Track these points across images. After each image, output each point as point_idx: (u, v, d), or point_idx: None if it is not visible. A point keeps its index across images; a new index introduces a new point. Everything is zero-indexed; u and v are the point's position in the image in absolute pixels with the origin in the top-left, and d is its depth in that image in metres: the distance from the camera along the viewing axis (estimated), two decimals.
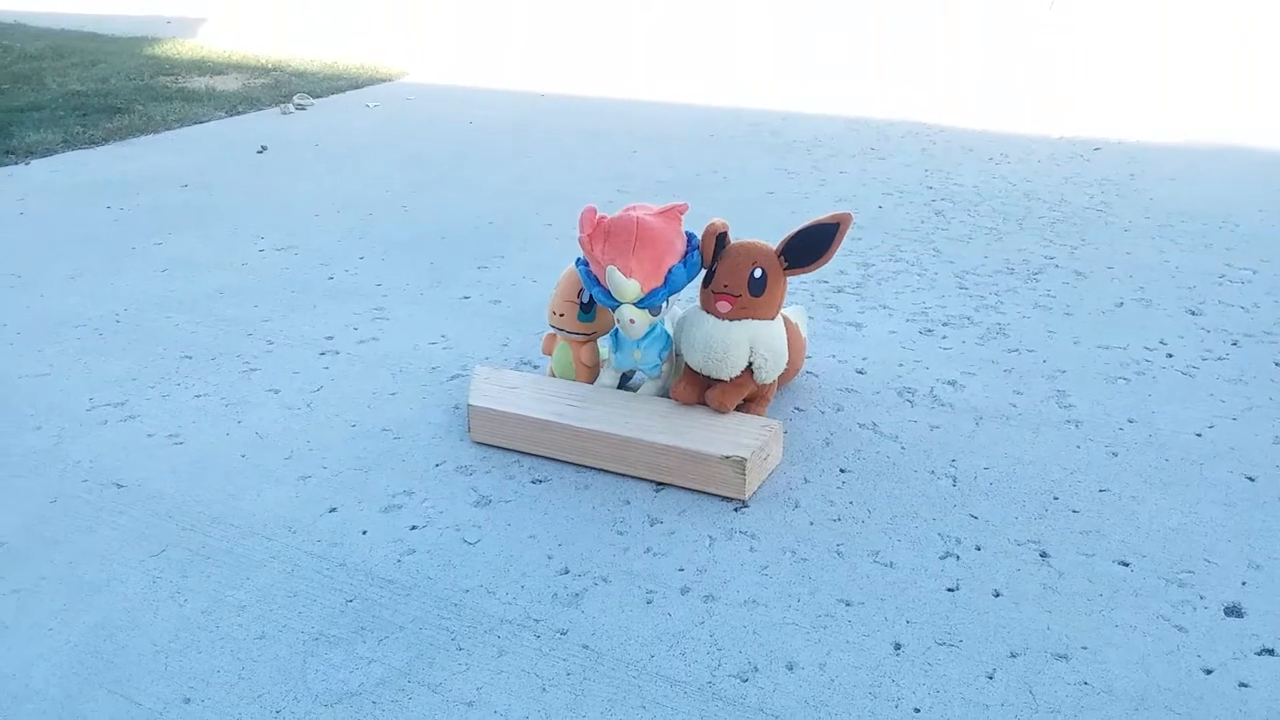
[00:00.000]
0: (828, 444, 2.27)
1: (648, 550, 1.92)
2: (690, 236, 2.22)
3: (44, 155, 5.11)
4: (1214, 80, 6.50)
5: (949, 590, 1.79)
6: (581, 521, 2.01)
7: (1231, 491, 2.06)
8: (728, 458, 2.03)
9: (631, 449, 2.12)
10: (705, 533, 1.97)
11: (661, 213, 2.16)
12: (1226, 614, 1.72)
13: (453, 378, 2.63)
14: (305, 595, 1.82)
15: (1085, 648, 1.65)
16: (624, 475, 2.15)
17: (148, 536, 2.00)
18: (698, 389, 2.24)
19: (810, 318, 2.85)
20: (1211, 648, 1.64)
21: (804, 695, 1.57)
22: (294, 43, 8.66)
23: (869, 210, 3.96)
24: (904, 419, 2.37)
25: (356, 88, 6.89)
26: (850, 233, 2.18)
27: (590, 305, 2.32)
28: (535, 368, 2.66)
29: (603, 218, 2.15)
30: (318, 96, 6.52)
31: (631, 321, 2.17)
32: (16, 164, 4.96)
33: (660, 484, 2.13)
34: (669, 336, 2.31)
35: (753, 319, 2.17)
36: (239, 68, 7.51)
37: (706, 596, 1.79)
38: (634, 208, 2.17)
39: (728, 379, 2.21)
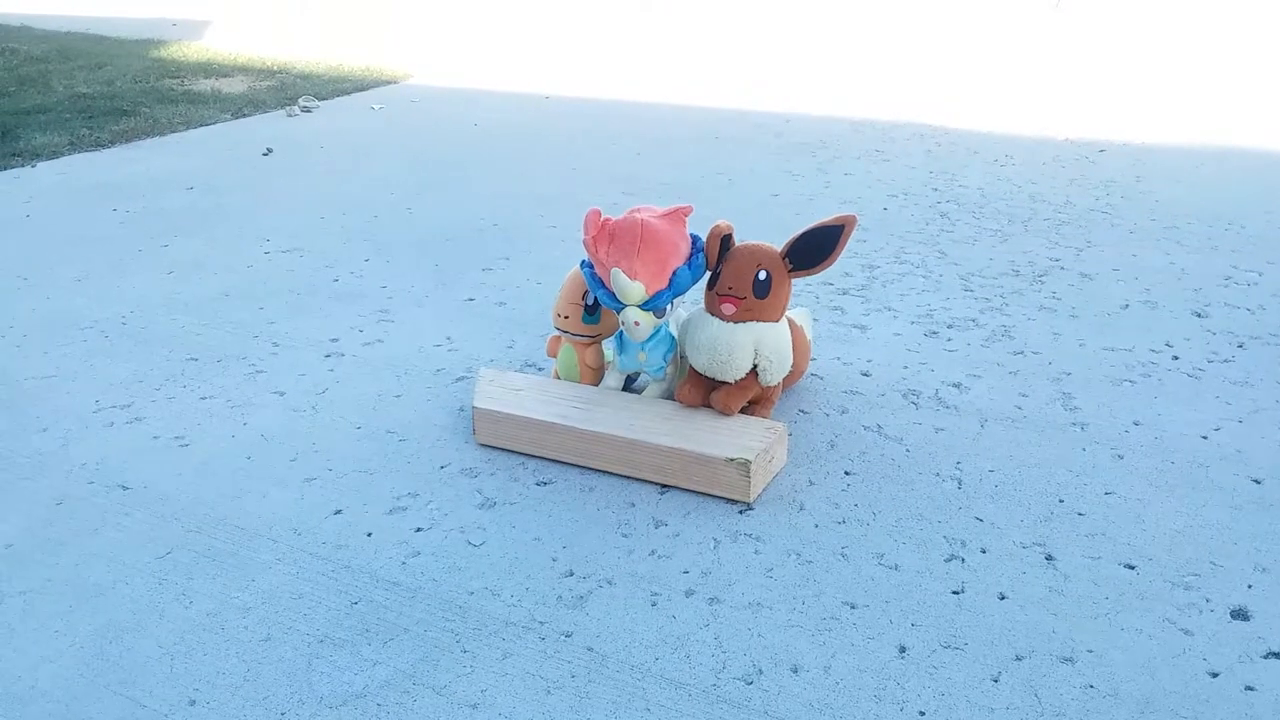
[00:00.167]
0: (833, 446, 2.27)
1: (652, 553, 1.92)
2: (695, 239, 2.22)
3: (50, 158, 5.13)
4: (1220, 82, 6.49)
5: (954, 593, 1.79)
6: (586, 524, 2.01)
7: (1238, 494, 2.05)
8: (732, 460, 2.03)
9: (636, 451, 2.12)
10: (710, 535, 1.97)
11: (666, 215, 2.16)
12: (1233, 617, 1.71)
13: (458, 380, 2.64)
14: (310, 597, 1.82)
15: (1091, 651, 1.64)
16: (629, 477, 2.16)
17: (153, 538, 2.01)
18: (702, 391, 2.24)
19: (815, 320, 2.85)
20: (1217, 651, 1.64)
21: (809, 698, 1.56)
22: (299, 45, 8.67)
23: (874, 212, 3.95)
24: (909, 421, 2.37)
25: (362, 90, 6.90)
26: (855, 235, 2.18)
27: (595, 307, 2.33)
28: (540, 370, 2.66)
29: (607, 220, 2.15)
30: (323, 99, 6.53)
31: (636, 324, 2.18)
32: (23, 166, 4.98)
33: (665, 486, 2.13)
34: (673, 339, 2.31)
35: (757, 321, 2.17)
36: (244, 70, 7.53)
37: (711, 599, 1.79)
38: (639, 210, 2.17)
39: (732, 381, 2.21)
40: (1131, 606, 1.74)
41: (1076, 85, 6.50)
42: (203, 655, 1.69)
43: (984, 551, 1.90)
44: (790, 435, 2.27)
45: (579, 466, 2.20)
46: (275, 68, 7.60)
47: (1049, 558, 1.87)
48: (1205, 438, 2.27)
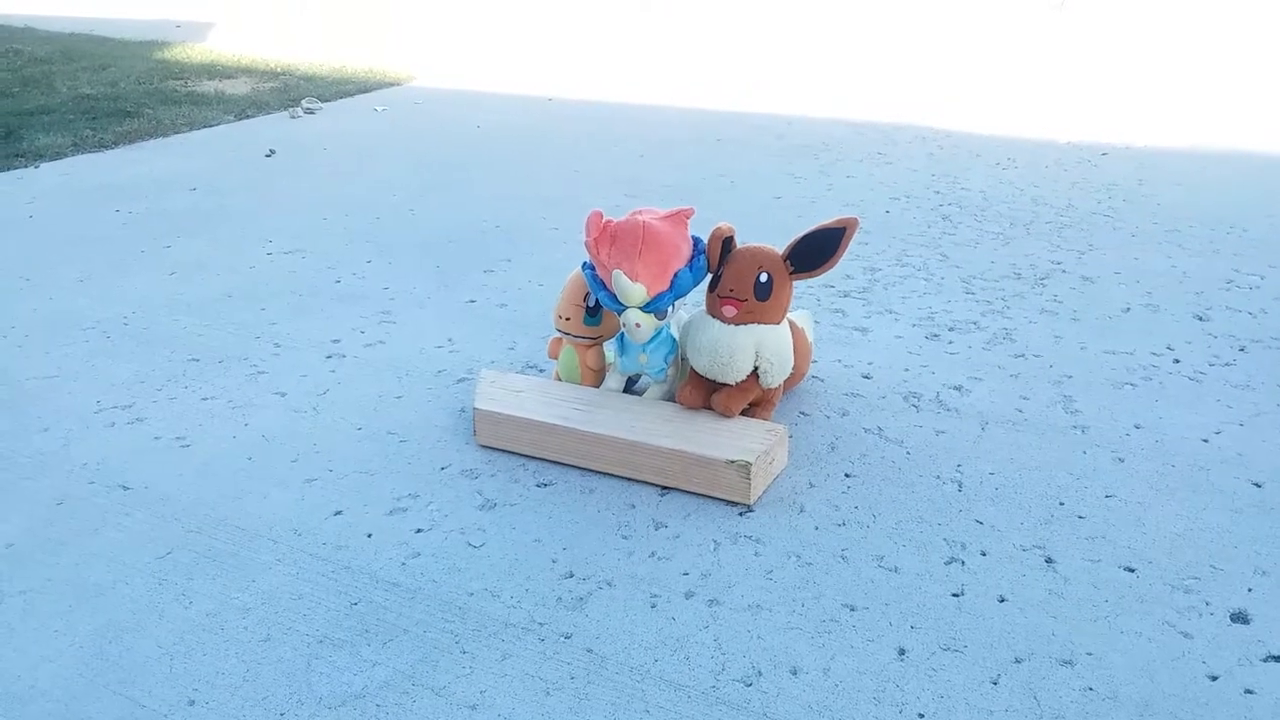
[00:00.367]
0: (833, 449, 2.27)
1: (652, 554, 1.92)
2: (696, 241, 2.22)
3: (53, 159, 5.13)
4: (1223, 85, 6.49)
5: (954, 595, 1.79)
6: (586, 525, 2.02)
7: (1238, 498, 2.05)
8: (733, 462, 2.03)
9: (637, 453, 2.12)
10: (710, 537, 1.97)
11: (668, 217, 2.17)
12: (1233, 620, 1.71)
13: (459, 381, 2.64)
14: (310, 598, 1.82)
15: (1090, 653, 1.64)
16: (629, 479, 2.16)
17: (154, 539, 2.01)
18: (703, 393, 2.24)
19: (816, 322, 2.85)
20: (1217, 654, 1.64)
21: (808, 700, 1.56)
22: (302, 47, 8.69)
23: (876, 215, 3.95)
24: (910, 424, 2.37)
25: (365, 92, 6.91)
26: (857, 237, 2.18)
27: (596, 309, 2.33)
28: (541, 371, 2.66)
29: (609, 222, 2.16)
30: (326, 100, 6.54)
31: (637, 325, 2.18)
32: (26, 167, 4.99)
33: (665, 488, 2.13)
34: (674, 341, 2.31)
35: (758, 323, 2.17)
36: (248, 72, 7.54)
37: (711, 601, 1.79)
38: (640, 212, 2.17)
39: (733, 383, 2.21)
40: (1131, 609, 1.74)
41: (1079, 88, 6.50)
42: (202, 655, 1.69)
43: (984, 554, 1.90)
44: (791, 437, 2.27)
45: (579, 468, 2.20)
46: (279, 69, 7.61)
47: (1049, 560, 1.87)
48: (1206, 441, 2.27)
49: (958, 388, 2.54)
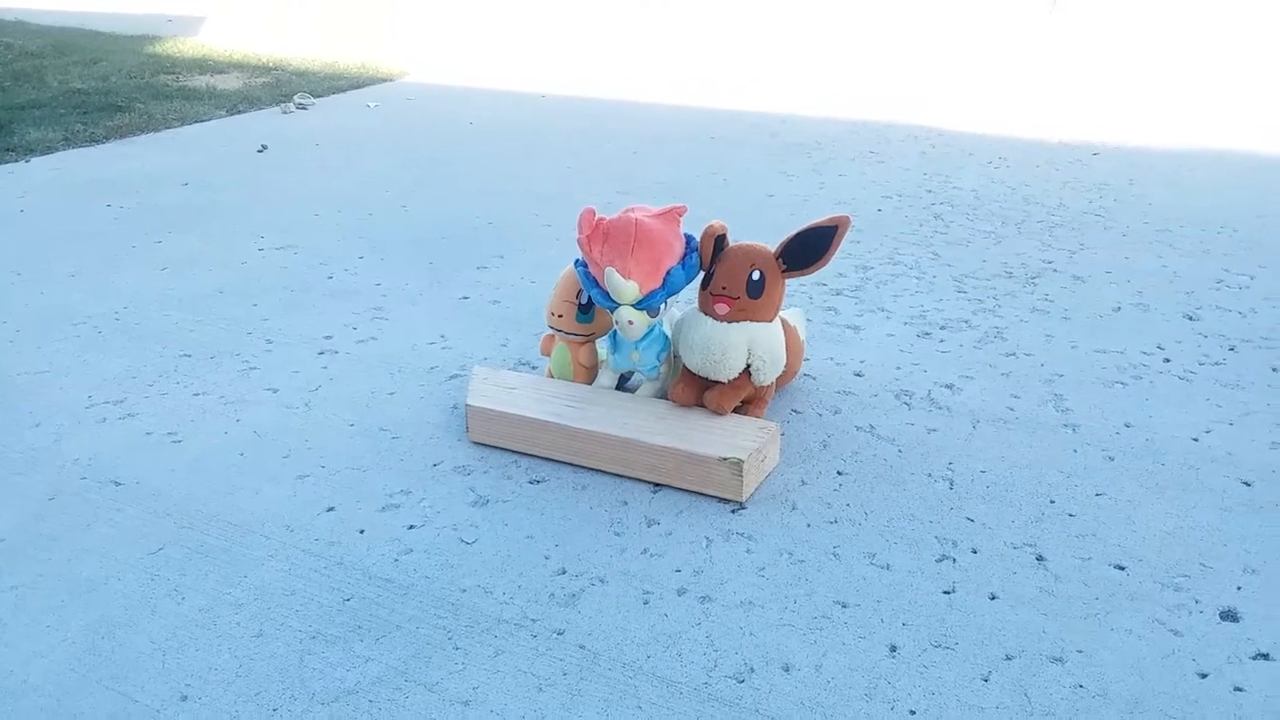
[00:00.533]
0: (825, 446, 2.28)
1: (645, 551, 1.92)
2: (689, 238, 2.22)
3: (44, 153, 5.12)
4: (1214, 85, 6.51)
5: (945, 593, 1.80)
6: (579, 522, 2.02)
7: (1228, 496, 2.06)
8: (725, 459, 2.03)
9: (629, 450, 2.13)
10: (702, 534, 1.97)
11: (660, 214, 2.17)
12: (1222, 618, 1.72)
13: (451, 378, 2.64)
14: (303, 594, 1.82)
15: (1081, 651, 1.65)
16: (622, 476, 2.16)
17: (146, 534, 2.01)
18: (695, 390, 2.25)
19: (808, 320, 2.86)
20: (1207, 652, 1.65)
21: (800, 697, 1.57)
22: (295, 42, 8.66)
23: (868, 213, 3.96)
24: (901, 422, 2.38)
25: (357, 87, 6.89)
26: (849, 235, 2.19)
27: (589, 306, 2.33)
28: (533, 368, 2.66)
29: (601, 219, 2.16)
30: (318, 96, 6.52)
31: (630, 323, 2.18)
32: (17, 162, 4.97)
33: (658, 485, 2.13)
34: (667, 338, 2.32)
35: (751, 321, 2.17)
36: (240, 67, 7.52)
37: (703, 598, 1.80)
38: (633, 209, 2.17)
39: (725, 381, 2.21)
40: (1121, 607, 1.75)
41: (1071, 88, 6.52)
42: (195, 651, 1.69)
43: (975, 552, 1.90)
44: (783, 435, 2.28)
45: (572, 465, 2.21)
46: (271, 64, 7.59)
47: (1040, 558, 1.88)
48: (1196, 440, 2.28)
49: (949, 386, 2.55)
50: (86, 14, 10.51)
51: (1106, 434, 2.31)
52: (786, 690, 1.58)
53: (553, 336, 2.43)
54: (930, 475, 2.16)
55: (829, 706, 1.55)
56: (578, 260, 2.26)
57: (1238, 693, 1.56)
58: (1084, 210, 3.98)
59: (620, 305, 2.16)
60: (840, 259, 3.38)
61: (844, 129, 5.46)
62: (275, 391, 2.58)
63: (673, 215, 2.19)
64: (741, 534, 1.97)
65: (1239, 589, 1.79)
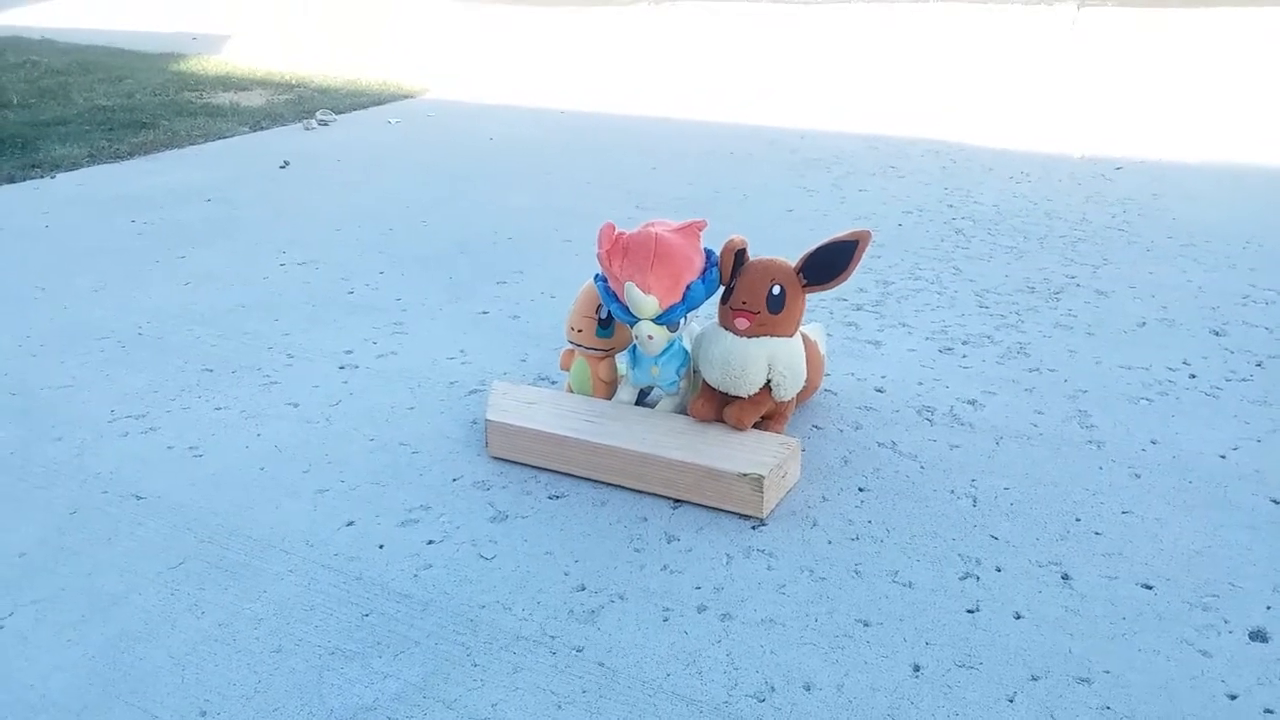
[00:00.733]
0: (846, 462, 2.26)
1: (664, 567, 1.91)
2: (709, 253, 2.21)
3: (69, 169, 5.17)
4: (1238, 99, 6.47)
5: (969, 611, 1.77)
6: (598, 538, 2.01)
7: (1256, 515, 2.03)
8: (745, 475, 2.02)
9: (649, 465, 2.12)
10: (723, 550, 1.96)
11: (680, 229, 2.16)
12: (1251, 639, 1.69)
13: (471, 392, 2.64)
14: (322, 609, 1.82)
15: (1108, 671, 1.63)
16: (641, 492, 2.15)
17: (166, 548, 2.01)
18: (715, 406, 2.23)
19: (829, 335, 2.84)
20: (1236, 673, 1.62)
21: (821, 716, 1.55)
22: (317, 60, 8.73)
23: (888, 228, 3.95)
24: (923, 438, 2.36)
25: (378, 104, 6.94)
26: (869, 250, 2.18)
27: (608, 321, 2.32)
28: (553, 383, 2.65)
29: (621, 234, 2.15)
30: (340, 112, 6.57)
31: (650, 338, 2.17)
32: (42, 177, 5.02)
33: (677, 501, 2.12)
34: (687, 353, 2.31)
35: (771, 336, 2.16)
36: (263, 84, 7.58)
37: (723, 615, 1.78)
38: (653, 224, 2.17)
39: (746, 396, 2.20)
40: (1149, 627, 1.72)
41: (1092, 102, 6.49)
42: (214, 666, 1.69)
43: (999, 570, 1.88)
44: (803, 451, 2.26)
45: (591, 480, 2.20)
46: (293, 82, 7.65)
47: (1065, 577, 1.86)
48: (1223, 457, 2.25)
49: (972, 402, 2.53)
50: (112, 32, 10.63)
51: (1132, 451, 2.28)
52: (808, 710, 1.56)
53: (572, 351, 2.43)
54: (953, 492, 2.14)
55: None
56: (597, 275, 2.26)
57: (1268, 714, 1.54)
58: (1107, 225, 3.95)
59: (640, 320, 2.15)
60: (861, 274, 3.36)
61: (863, 144, 5.45)
62: (296, 406, 2.59)
63: (692, 230, 2.18)
64: (762, 551, 1.96)
65: (1268, 609, 1.76)
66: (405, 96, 7.19)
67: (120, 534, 2.06)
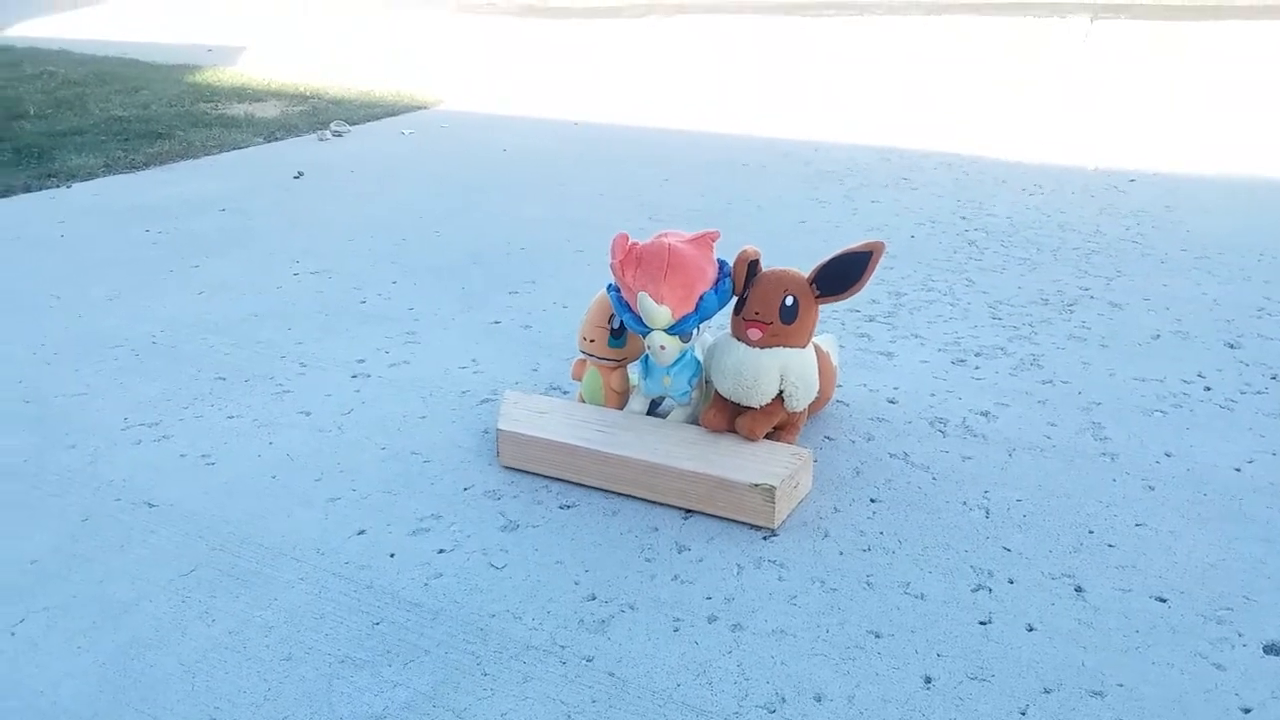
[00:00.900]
0: (858, 473, 2.25)
1: (675, 578, 1.91)
2: (722, 264, 2.21)
3: (85, 179, 5.20)
4: (1252, 112, 6.44)
5: (981, 623, 1.76)
6: (609, 548, 2.00)
7: (1271, 528, 2.02)
8: (757, 486, 2.01)
9: (660, 475, 2.11)
10: (734, 561, 1.95)
11: (693, 240, 2.16)
12: (1266, 652, 1.68)
13: (482, 402, 2.64)
14: (332, 617, 1.82)
15: (1121, 685, 1.61)
16: (652, 502, 2.14)
17: (178, 556, 2.01)
18: (727, 416, 2.23)
19: (841, 346, 2.84)
20: (1250, 686, 1.61)
21: None
22: (332, 71, 8.78)
23: (901, 240, 3.94)
24: (936, 449, 2.35)
25: (392, 115, 6.97)
26: (882, 262, 2.17)
27: (621, 331, 2.32)
28: (565, 393, 2.66)
29: (634, 244, 2.16)
30: (354, 124, 6.60)
31: (662, 348, 2.17)
32: (58, 187, 5.05)
33: (689, 511, 2.11)
34: (699, 363, 2.31)
35: (784, 347, 2.16)
36: (278, 95, 7.63)
37: (734, 625, 1.77)
38: (666, 235, 2.17)
39: (758, 406, 2.20)
40: (1163, 640, 1.71)
41: (1106, 115, 6.47)
42: (224, 674, 1.69)
43: (1012, 582, 1.87)
44: (815, 462, 2.25)
45: (603, 490, 2.20)
46: (307, 93, 7.70)
47: (1078, 589, 1.85)
48: (1238, 470, 2.23)
49: (984, 413, 2.52)
50: (128, 44, 10.71)
51: (1146, 463, 2.27)
52: None
53: (584, 361, 2.43)
54: (965, 504, 2.13)
55: None
56: (610, 285, 2.26)
57: None
58: (1121, 237, 3.93)
59: (652, 330, 2.15)
60: (873, 285, 3.36)
61: (876, 156, 5.45)
62: (308, 415, 2.59)
63: (706, 240, 2.18)
64: (773, 561, 1.95)
65: None
66: (419, 108, 7.23)
67: (132, 541, 2.07)
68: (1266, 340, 2.93)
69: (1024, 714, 1.56)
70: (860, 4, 10.95)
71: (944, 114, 6.64)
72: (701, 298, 2.15)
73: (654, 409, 2.42)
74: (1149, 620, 1.76)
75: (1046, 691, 1.60)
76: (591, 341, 2.35)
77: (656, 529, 2.06)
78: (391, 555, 2.00)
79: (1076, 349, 2.89)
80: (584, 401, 2.44)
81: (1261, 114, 6.40)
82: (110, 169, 5.38)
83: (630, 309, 2.18)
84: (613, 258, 2.16)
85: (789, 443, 2.23)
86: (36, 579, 1.95)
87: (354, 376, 2.81)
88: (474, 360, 2.90)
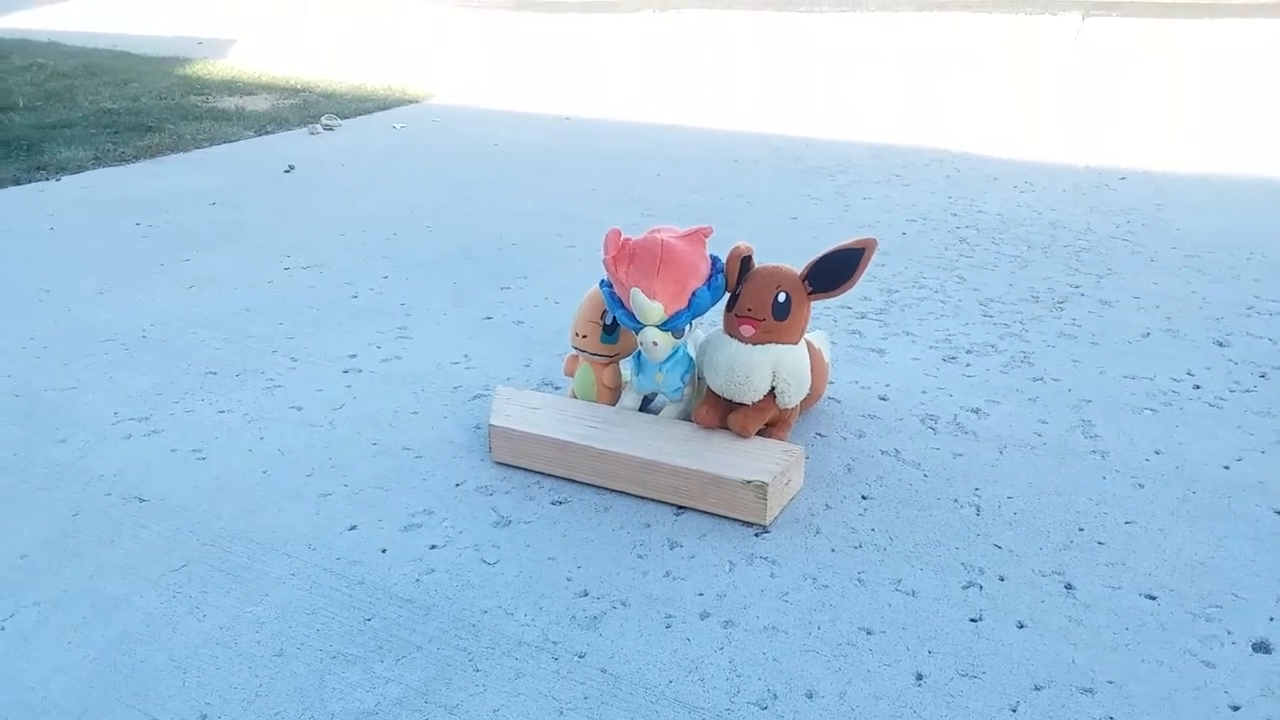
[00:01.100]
0: (849, 470, 2.26)
1: (667, 574, 1.91)
2: (714, 260, 2.21)
3: (75, 172, 5.18)
4: (1242, 110, 6.47)
5: (972, 620, 1.77)
6: (601, 544, 2.01)
7: (1260, 526, 2.03)
8: (749, 482, 2.02)
9: (652, 472, 2.11)
10: (725, 557, 1.96)
11: (686, 236, 2.16)
12: (1254, 650, 1.69)
13: (474, 397, 2.64)
14: (324, 613, 1.82)
15: (1111, 682, 1.62)
16: (644, 498, 2.15)
17: (169, 551, 2.01)
18: (719, 412, 2.23)
19: (833, 343, 2.84)
20: (1239, 684, 1.62)
21: None
22: (323, 65, 8.75)
23: (893, 236, 3.95)
24: (927, 446, 2.36)
25: (383, 109, 6.95)
26: (874, 259, 2.18)
27: (613, 327, 2.32)
28: (557, 389, 2.65)
29: (627, 240, 2.16)
30: (345, 117, 6.58)
31: (654, 344, 2.17)
32: (47, 180, 5.03)
33: (681, 507, 2.12)
34: (691, 360, 2.31)
35: (776, 343, 2.16)
36: (268, 88, 7.60)
37: (726, 622, 1.78)
38: (658, 230, 2.17)
39: (750, 403, 2.20)
40: (1152, 637, 1.72)
41: (1097, 112, 6.49)
42: (215, 669, 1.69)
43: (1002, 579, 1.88)
44: (807, 458, 2.26)
45: (595, 486, 2.20)
46: (299, 86, 7.67)
47: (1068, 586, 1.85)
48: (1227, 468, 2.24)
49: (975, 410, 2.52)
50: (118, 36, 10.66)
51: (1136, 461, 2.28)
52: (810, 717, 1.56)
53: (577, 357, 2.43)
54: (956, 501, 2.13)
55: None
56: (603, 281, 2.26)
57: None
58: (1111, 235, 3.95)
59: (645, 326, 2.15)
60: (865, 282, 3.36)
61: (868, 152, 5.45)
62: (299, 410, 2.59)
63: (698, 236, 2.18)
64: (765, 558, 1.95)
65: (1272, 620, 1.76)
66: (410, 102, 7.21)
67: (123, 536, 2.06)
68: (1255, 338, 2.94)
69: (1014, 711, 1.57)
70: (853, 0, 10.96)
71: (936, 110, 6.64)
72: (694, 294, 2.15)
73: (646, 405, 2.42)
74: (1139, 617, 1.77)
75: (1037, 688, 1.61)
76: (584, 337, 2.35)
77: (648, 525, 2.06)
78: (383, 551, 2.00)
79: (1067, 346, 2.90)
80: (576, 397, 2.44)
81: (1252, 112, 6.42)
82: (100, 162, 5.36)
83: (623, 305, 2.18)
84: (605, 253, 2.16)
85: (781, 439, 2.24)
86: (26, 574, 1.95)
87: (345, 371, 2.80)
88: (466, 355, 2.89)
